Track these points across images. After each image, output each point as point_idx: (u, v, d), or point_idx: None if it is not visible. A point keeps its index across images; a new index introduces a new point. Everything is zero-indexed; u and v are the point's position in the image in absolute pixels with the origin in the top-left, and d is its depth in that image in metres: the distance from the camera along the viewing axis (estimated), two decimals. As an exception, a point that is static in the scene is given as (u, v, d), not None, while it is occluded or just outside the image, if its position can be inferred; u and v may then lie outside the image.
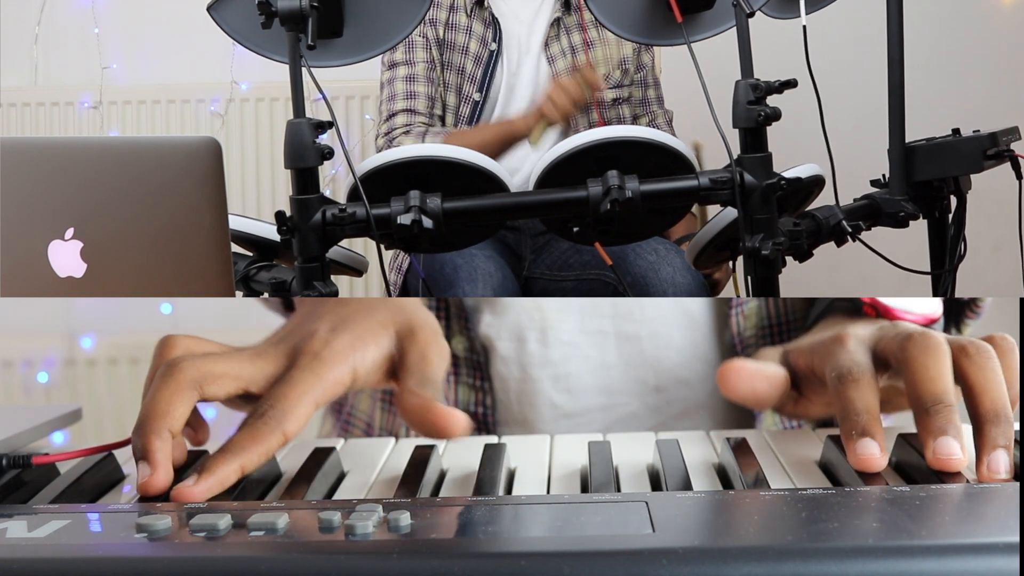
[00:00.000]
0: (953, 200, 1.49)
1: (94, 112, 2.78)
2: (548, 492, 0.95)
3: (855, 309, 1.20)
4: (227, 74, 2.74)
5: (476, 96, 2.06)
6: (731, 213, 1.37)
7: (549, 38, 2.08)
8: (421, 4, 1.37)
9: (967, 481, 0.86)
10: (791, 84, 1.29)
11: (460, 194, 1.31)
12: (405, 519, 0.75)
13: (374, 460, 1.05)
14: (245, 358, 0.97)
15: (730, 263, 1.58)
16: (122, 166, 1.16)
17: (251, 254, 1.44)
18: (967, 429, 0.90)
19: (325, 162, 1.27)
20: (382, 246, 1.34)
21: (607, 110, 2.10)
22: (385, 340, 1.01)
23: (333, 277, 1.32)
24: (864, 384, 0.94)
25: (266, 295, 1.39)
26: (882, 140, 1.45)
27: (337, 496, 0.96)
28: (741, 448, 0.98)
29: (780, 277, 1.32)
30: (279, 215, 1.27)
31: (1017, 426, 0.91)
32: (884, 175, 1.48)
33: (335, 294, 1.28)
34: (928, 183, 1.46)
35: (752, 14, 1.31)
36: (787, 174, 1.33)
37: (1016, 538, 0.67)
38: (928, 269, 1.50)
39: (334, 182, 2.75)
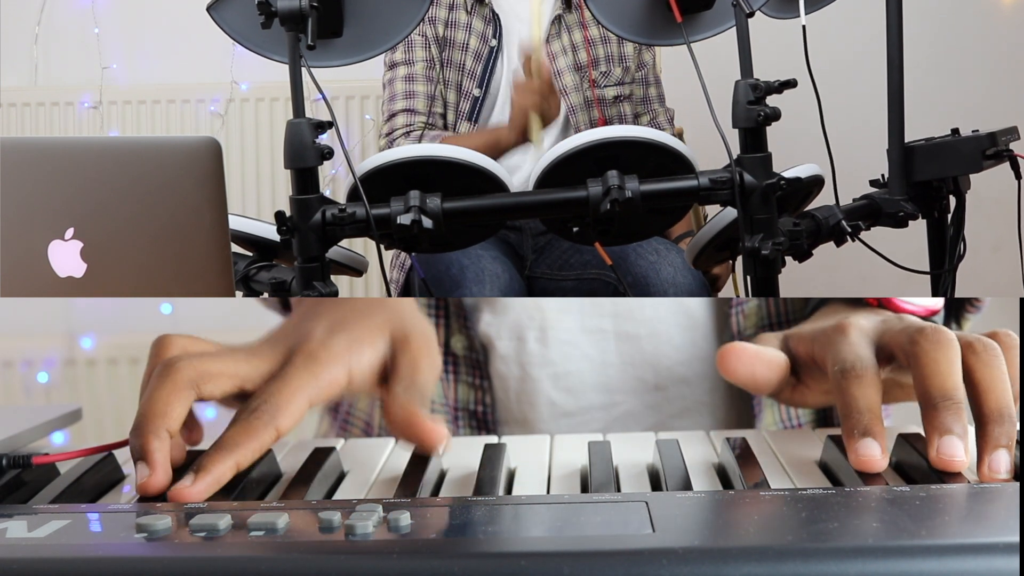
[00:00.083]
0: (952, 200, 1.48)
1: (94, 112, 2.77)
2: (548, 492, 0.95)
3: (856, 299, 1.19)
4: (227, 74, 2.74)
5: (476, 92, 2.06)
6: (731, 213, 1.37)
7: (550, 36, 2.08)
8: (421, 4, 1.37)
9: (967, 481, 0.86)
10: (791, 84, 1.29)
11: (460, 194, 1.31)
12: (405, 519, 0.75)
13: (374, 460, 1.05)
14: (241, 357, 0.97)
15: (730, 261, 1.57)
16: (122, 166, 1.16)
17: (251, 254, 1.44)
18: (970, 429, 0.90)
19: (325, 162, 1.27)
20: (382, 246, 1.34)
21: (608, 108, 2.09)
22: (381, 344, 1.01)
23: (333, 277, 1.32)
24: (867, 381, 0.93)
25: (266, 295, 1.39)
26: (881, 140, 1.45)
27: (337, 496, 0.96)
28: (741, 448, 0.98)
29: (780, 277, 1.32)
30: (279, 215, 1.27)
31: (1018, 426, 0.91)
32: (883, 175, 1.48)
33: (335, 294, 1.28)
34: (927, 183, 1.46)
35: (752, 14, 1.31)
36: (787, 174, 1.33)
37: (1016, 538, 0.67)
38: (928, 269, 1.50)
39: (334, 182, 2.75)
